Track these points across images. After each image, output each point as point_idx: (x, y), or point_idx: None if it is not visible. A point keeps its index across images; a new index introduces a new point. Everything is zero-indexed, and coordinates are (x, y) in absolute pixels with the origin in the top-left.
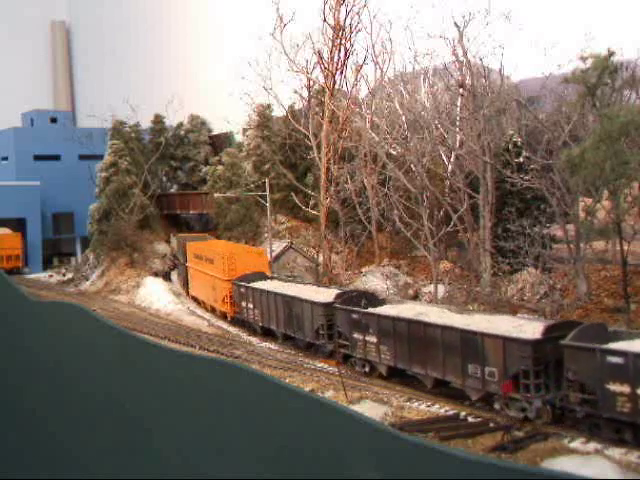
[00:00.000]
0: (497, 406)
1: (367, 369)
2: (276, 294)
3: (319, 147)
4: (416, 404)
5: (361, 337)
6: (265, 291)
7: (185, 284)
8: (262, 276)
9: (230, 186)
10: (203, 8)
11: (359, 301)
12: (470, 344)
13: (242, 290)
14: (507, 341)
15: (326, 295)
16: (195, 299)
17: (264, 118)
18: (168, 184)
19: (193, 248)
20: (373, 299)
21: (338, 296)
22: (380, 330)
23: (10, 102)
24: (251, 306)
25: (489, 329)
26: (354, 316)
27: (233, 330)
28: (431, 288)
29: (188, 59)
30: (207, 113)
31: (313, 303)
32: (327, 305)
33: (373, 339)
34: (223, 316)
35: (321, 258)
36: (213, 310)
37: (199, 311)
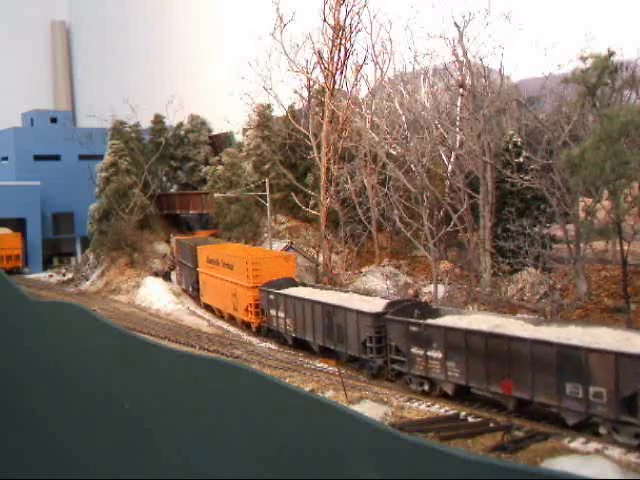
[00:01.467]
0: (603, 431)
1: (426, 387)
2: (314, 302)
3: (319, 147)
4: (416, 404)
5: (421, 352)
6: (300, 299)
7: (193, 290)
8: (291, 282)
9: (230, 186)
10: (203, 8)
11: (412, 311)
12: (570, 361)
13: (271, 298)
14: (621, 357)
15: (372, 304)
16: (208, 307)
17: (264, 118)
18: (168, 184)
19: (206, 252)
20: (426, 309)
21: (389, 306)
22: (447, 344)
23: (10, 102)
24: (282, 315)
25: (594, 343)
26: (413, 329)
27: (233, 330)
28: (431, 288)
29: (188, 59)
30: (207, 113)
31: (360, 313)
32: (377, 316)
33: (437, 354)
34: (246, 326)
35: (321, 258)
36: (232, 319)
37: (199, 311)
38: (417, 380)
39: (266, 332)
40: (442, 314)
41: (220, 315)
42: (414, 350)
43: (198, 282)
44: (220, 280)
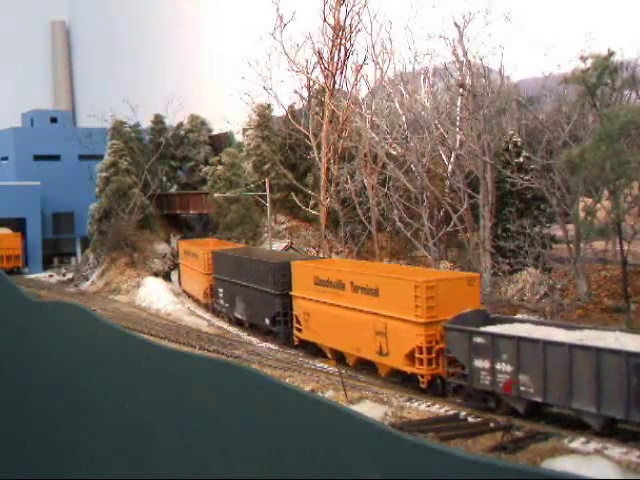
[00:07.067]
0: None
1: None
2: (602, 351)
3: (319, 147)
4: (416, 404)
5: None
6: (563, 345)
7: (275, 324)
8: (484, 316)
9: (230, 186)
10: (203, 8)
11: None
12: None
13: (479, 341)
14: None
15: None
16: (306, 342)
17: (264, 118)
18: (168, 184)
19: (310, 270)
20: None
21: None
22: None
23: (10, 102)
24: (506, 368)
25: None
26: None
27: (234, 330)
28: None
29: (188, 59)
30: (207, 113)
31: None
32: None
33: None
34: (402, 379)
35: None
36: (364, 365)
37: (199, 311)
38: None
39: (453, 391)
40: None
41: (336, 357)
42: None
43: (288, 313)
44: (346, 310)
